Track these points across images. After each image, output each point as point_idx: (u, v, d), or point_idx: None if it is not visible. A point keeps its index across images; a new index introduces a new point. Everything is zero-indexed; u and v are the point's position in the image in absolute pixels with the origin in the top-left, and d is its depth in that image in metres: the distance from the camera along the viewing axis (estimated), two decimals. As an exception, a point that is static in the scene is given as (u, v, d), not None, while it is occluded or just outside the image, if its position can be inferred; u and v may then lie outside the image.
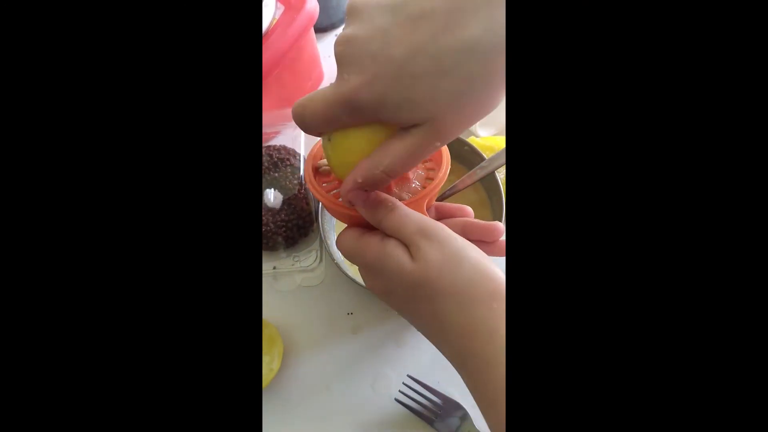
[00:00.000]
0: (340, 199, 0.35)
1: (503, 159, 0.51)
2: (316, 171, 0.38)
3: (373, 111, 0.27)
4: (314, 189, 0.36)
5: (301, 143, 0.63)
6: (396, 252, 0.31)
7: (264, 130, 0.66)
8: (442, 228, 0.31)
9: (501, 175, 0.56)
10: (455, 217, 0.39)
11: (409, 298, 0.32)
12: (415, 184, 0.37)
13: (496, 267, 0.31)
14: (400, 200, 0.36)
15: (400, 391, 0.51)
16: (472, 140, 0.57)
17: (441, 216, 0.40)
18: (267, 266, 0.58)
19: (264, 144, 0.65)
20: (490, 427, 0.30)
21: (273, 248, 0.59)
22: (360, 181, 0.30)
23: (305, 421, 0.51)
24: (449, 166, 0.37)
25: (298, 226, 0.59)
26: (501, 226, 0.37)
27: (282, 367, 0.53)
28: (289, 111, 0.66)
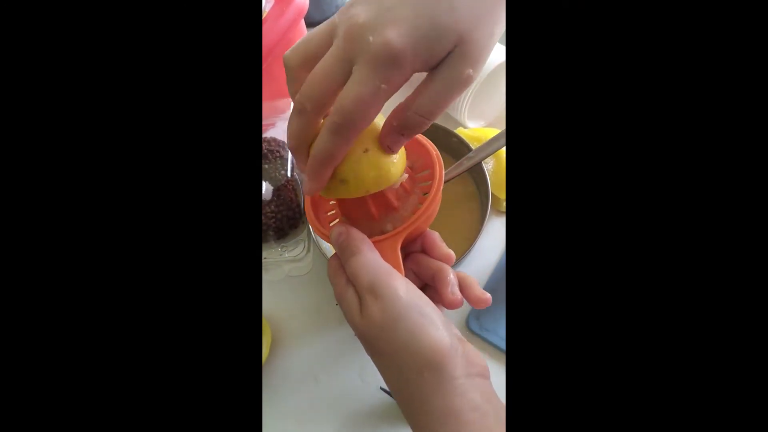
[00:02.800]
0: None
1: (490, 149, 0.51)
2: (316, 203, 0.39)
3: (410, 58, 0.26)
4: (314, 224, 0.38)
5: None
6: (351, 301, 0.33)
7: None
8: (390, 286, 0.31)
9: (488, 166, 0.56)
10: (440, 254, 0.38)
11: (363, 345, 0.34)
12: (405, 209, 0.37)
13: (441, 332, 0.30)
14: (381, 232, 0.36)
15: (386, 380, 0.51)
16: (459, 131, 0.57)
17: (426, 248, 0.39)
18: (256, 257, 0.58)
19: (255, 136, 0.65)
20: None
21: (263, 239, 0.59)
22: (395, 124, 0.30)
23: (293, 410, 0.52)
24: (438, 202, 0.36)
25: (288, 217, 0.59)
26: (489, 298, 0.36)
27: (270, 357, 0.53)
28: (281, 103, 0.66)
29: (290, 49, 0.30)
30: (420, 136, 0.38)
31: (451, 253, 0.37)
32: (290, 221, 0.59)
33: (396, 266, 0.34)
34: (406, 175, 0.36)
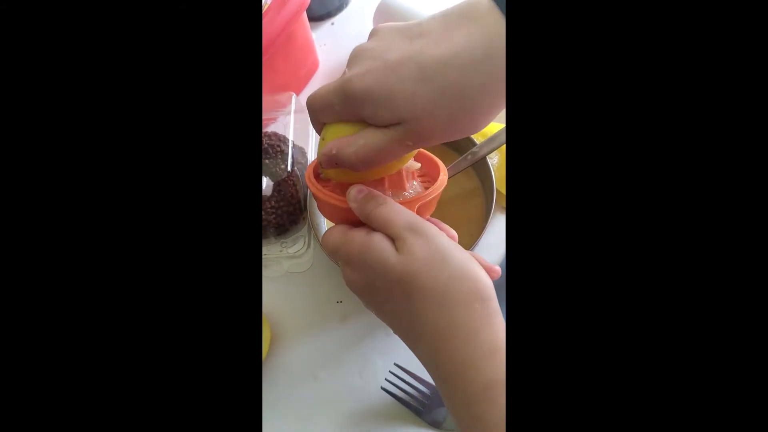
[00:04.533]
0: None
1: (495, 143, 0.50)
2: (317, 175, 0.40)
3: (359, 101, 0.30)
4: (311, 185, 0.38)
5: (290, 130, 0.63)
6: (381, 244, 0.32)
7: (256, 116, 0.65)
8: (430, 226, 0.32)
9: (493, 161, 0.55)
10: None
11: (387, 294, 0.32)
12: (409, 193, 0.38)
13: (482, 270, 0.31)
14: None
15: (386, 379, 0.50)
16: (464, 126, 0.56)
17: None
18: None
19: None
20: (460, 427, 0.30)
21: (263, 235, 0.58)
22: (333, 152, 0.32)
23: (291, 408, 0.51)
24: (444, 182, 0.38)
25: (288, 213, 0.58)
26: (499, 270, 0.36)
27: (269, 354, 0.53)
28: (282, 97, 0.65)
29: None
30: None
31: (455, 233, 0.37)
32: (291, 217, 0.58)
33: None
34: (419, 165, 0.38)
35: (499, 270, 0.35)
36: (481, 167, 0.54)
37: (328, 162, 0.33)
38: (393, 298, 0.32)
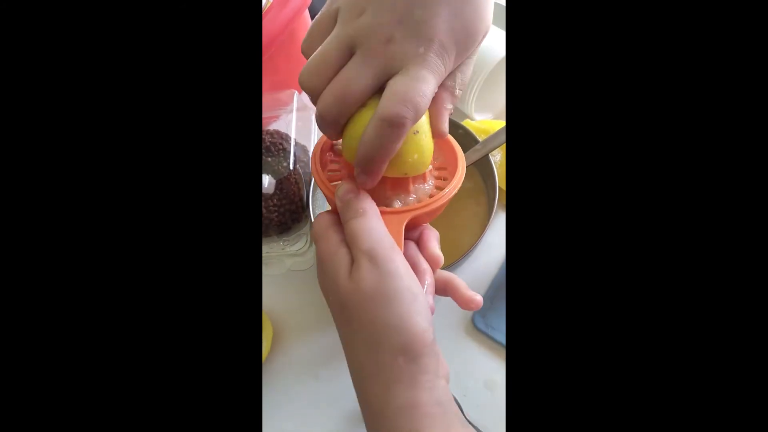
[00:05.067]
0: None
1: (497, 141, 0.50)
2: (324, 153, 0.37)
3: (455, 44, 0.29)
4: (316, 171, 0.36)
5: (292, 128, 0.63)
6: (340, 261, 0.30)
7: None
8: (392, 259, 0.30)
9: (496, 158, 0.54)
10: (429, 255, 0.36)
11: (335, 312, 0.32)
12: (412, 198, 0.36)
13: (426, 324, 0.29)
14: (387, 206, 0.34)
15: (389, 377, 0.50)
16: (467, 123, 0.56)
17: (420, 245, 0.37)
18: (257, 251, 0.57)
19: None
20: None
21: (265, 233, 0.58)
22: (448, 106, 0.32)
23: (292, 407, 0.51)
24: (454, 191, 0.35)
25: (290, 211, 0.58)
26: (480, 300, 0.35)
27: (271, 352, 0.52)
28: (284, 95, 0.65)
29: (308, 70, 0.30)
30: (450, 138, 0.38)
31: (440, 257, 0.35)
32: (293, 215, 0.58)
33: (398, 242, 0.32)
34: (431, 166, 0.36)
35: (480, 301, 0.34)
36: (483, 165, 0.54)
37: (445, 113, 0.32)
38: (337, 319, 0.32)
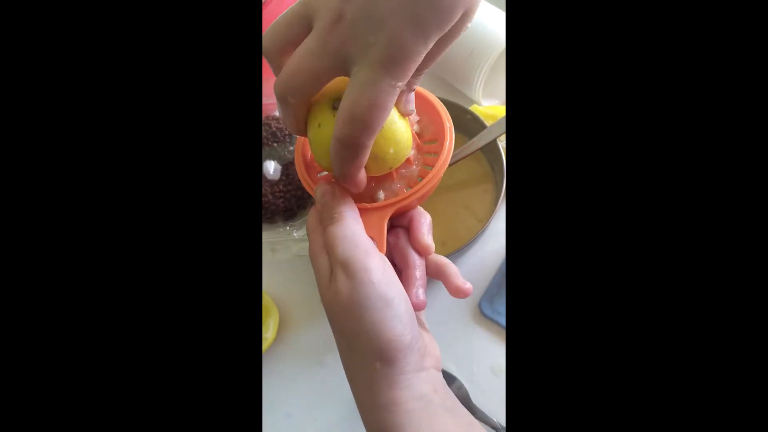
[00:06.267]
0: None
1: (504, 128, 0.49)
2: (307, 161, 0.36)
3: (423, 45, 0.26)
4: (305, 180, 0.35)
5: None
6: (322, 267, 0.31)
7: (264, 100, 0.65)
8: (365, 267, 0.29)
9: (503, 143, 0.54)
10: (417, 243, 0.35)
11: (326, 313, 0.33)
12: (397, 185, 0.35)
13: (401, 328, 0.29)
14: (372, 199, 0.34)
15: (395, 363, 0.50)
16: (474, 108, 0.55)
17: (410, 230, 0.36)
18: (264, 236, 0.57)
19: (266, 114, 0.64)
20: None
21: (271, 219, 0.58)
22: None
23: (299, 392, 0.51)
24: (436, 182, 0.34)
25: (297, 197, 0.58)
26: (469, 288, 0.34)
27: (277, 338, 0.52)
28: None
29: (266, 33, 0.29)
30: (437, 103, 0.36)
31: (431, 246, 0.34)
32: (299, 201, 0.58)
33: (379, 240, 0.32)
34: (414, 151, 0.35)
35: (469, 290, 0.34)
36: (491, 150, 0.53)
37: (406, 93, 0.30)
38: (329, 319, 0.33)
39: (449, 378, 0.49)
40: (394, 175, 0.34)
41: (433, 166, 0.34)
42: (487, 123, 0.52)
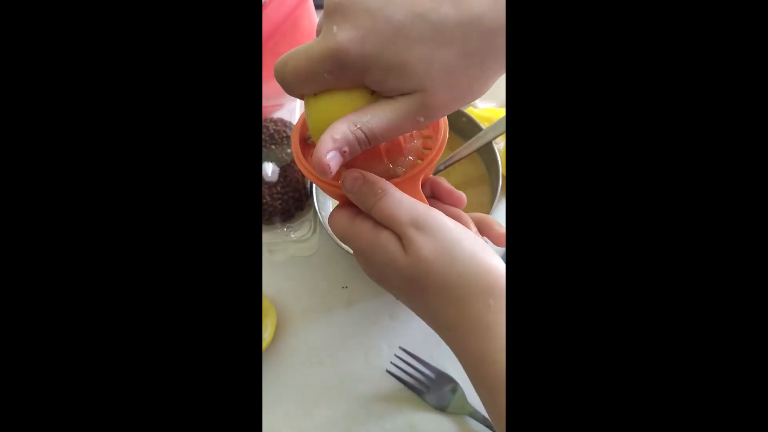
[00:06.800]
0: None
1: (500, 128, 0.50)
2: (304, 143, 0.36)
3: (359, 71, 0.26)
4: (301, 164, 0.34)
5: (296, 116, 0.63)
6: (388, 244, 0.30)
7: (263, 103, 0.65)
8: (435, 217, 0.29)
9: (499, 146, 0.55)
10: (451, 197, 0.36)
11: (402, 290, 0.31)
12: (410, 157, 0.35)
13: (496, 258, 0.29)
14: (393, 176, 0.34)
15: (391, 362, 0.51)
16: (470, 111, 0.56)
17: (436, 194, 0.37)
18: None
19: (265, 117, 0.64)
20: (491, 418, 0.30)
21: (269, 221, 0.59)
22: (337, 137, 0.28)
23: (297, 391, 0.51)
24: (447, 137, 0.34)
25: (294, 198, 0.59)
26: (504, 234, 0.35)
27: (275, 338, 0.53)
28: (287, 84, 0.65)
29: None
30: None
31: (462, 194, 0.36)
32: (296, 202, 0.59)
33: (424, 203, 0.32)
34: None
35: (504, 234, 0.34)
36: (486, 152, 0.54)
37: (335, 158, 0.28)
38: (407, 294, 0.31)
39: (445, 378, 0.49)
40: (403, 149, 0.34)
41: (431, 137, 0.35)
42: (484, 126, 0.53)
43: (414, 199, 0.31)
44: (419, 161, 0.35)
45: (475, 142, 0.50)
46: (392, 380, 0.50)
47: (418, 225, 0.29)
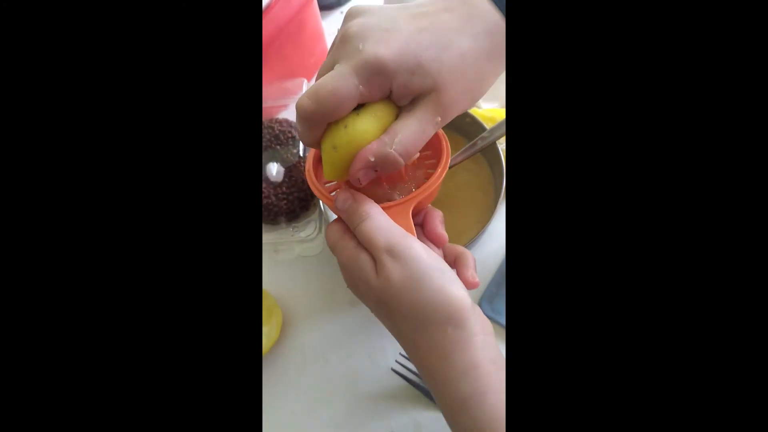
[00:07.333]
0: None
1: (504, 130, 0.50)
2: (318, 163, 0.38)
3: (389, 76, 0.30)
4: (312, 182, 0.37)
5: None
6: (365, 265, 0.32)
7: (267, 103, 0.66)
8: (409, 246, 0.32)
9: (503, 146, 0.55)
10: (430, 234, 0.38)
11: (374, 308, 0.34)
12: (413, 188, 0.37)
13: (462, 289, 0.31)
14: (389, 200, 0.36)
15: (396, 361, 0.51)
16: (474, 111, 0.56)
17: (424, 226, 0.39)
18: (267, 237, 0.58)
19: (269, 117, 0.65)
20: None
21: (274, 221, 0.59)
22: (372, 159, 0.31)
23: (302, 390, 0.52)
24: (446, 170, 0.37)
25: (300, 198, 0.59)
26: (474, 284, 0.36)
27: (280, 337, 0.53)
28: (292, 84, 0.66)
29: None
30: None
31: (444, 236, 0.37)
32: (302, 202, 0.59)
33: (409, 231, 0.34)
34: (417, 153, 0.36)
35: (477, 283, 0.36)
36: (490, 153, 0.54)
37: (367, 174, 0.32)
38: (378, 312, 0.34)
39: (450, 376, 0.50)
40: (405, 177, 0.37)
41: (434, 168, 0.36)
42: (487, 126, 0.53)
43: (395, 225, 0.33)
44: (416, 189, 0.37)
45: (480, 142, 0.51)
46: (397, 379, 0.51)
47: (392, 252, 0.31)
